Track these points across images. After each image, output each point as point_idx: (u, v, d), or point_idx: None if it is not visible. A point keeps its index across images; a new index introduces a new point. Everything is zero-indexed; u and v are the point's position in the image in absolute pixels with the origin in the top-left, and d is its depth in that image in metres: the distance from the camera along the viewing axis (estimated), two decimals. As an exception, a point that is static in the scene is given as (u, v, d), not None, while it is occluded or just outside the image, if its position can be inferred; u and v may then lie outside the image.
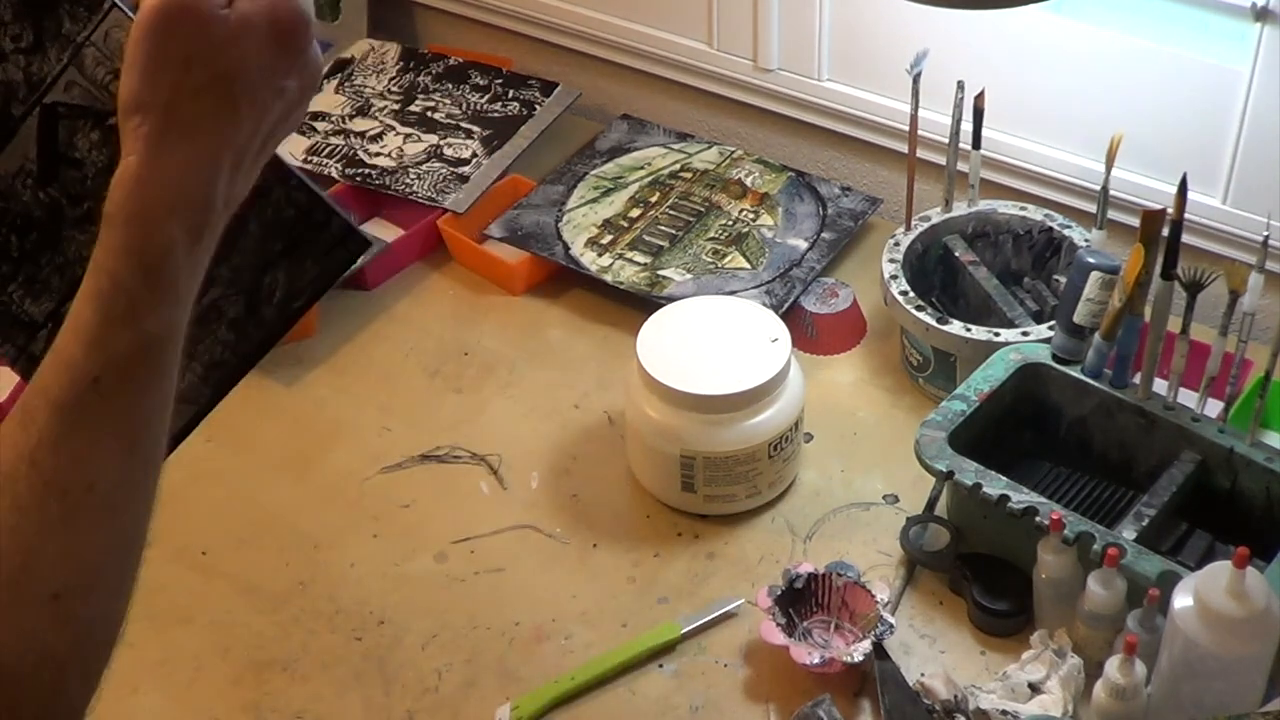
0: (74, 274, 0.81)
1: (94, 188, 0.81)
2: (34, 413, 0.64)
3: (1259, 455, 1.16)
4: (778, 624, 1.15)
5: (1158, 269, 1.16)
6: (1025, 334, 1.30)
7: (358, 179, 1.59)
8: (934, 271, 1.43)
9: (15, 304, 0.84)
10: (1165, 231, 1.14)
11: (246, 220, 0.81)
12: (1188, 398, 1.22)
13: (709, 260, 1.49)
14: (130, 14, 0.78)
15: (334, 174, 1.60)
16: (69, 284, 0.83)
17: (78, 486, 0.63)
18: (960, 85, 1.35)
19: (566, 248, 1.52)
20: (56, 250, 0.82)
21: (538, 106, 1.68)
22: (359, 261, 0.82)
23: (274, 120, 0.71)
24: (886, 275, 1.36)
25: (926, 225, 1.42)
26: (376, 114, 1.70)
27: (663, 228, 1.54)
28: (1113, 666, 1.03)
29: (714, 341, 1.27)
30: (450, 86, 1.73)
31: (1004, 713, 1.06)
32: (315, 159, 1.62)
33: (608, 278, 1.48)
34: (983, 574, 1.18)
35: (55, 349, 0.66)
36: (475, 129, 1.66)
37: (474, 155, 1.62)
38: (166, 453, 0.75)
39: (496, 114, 1.68)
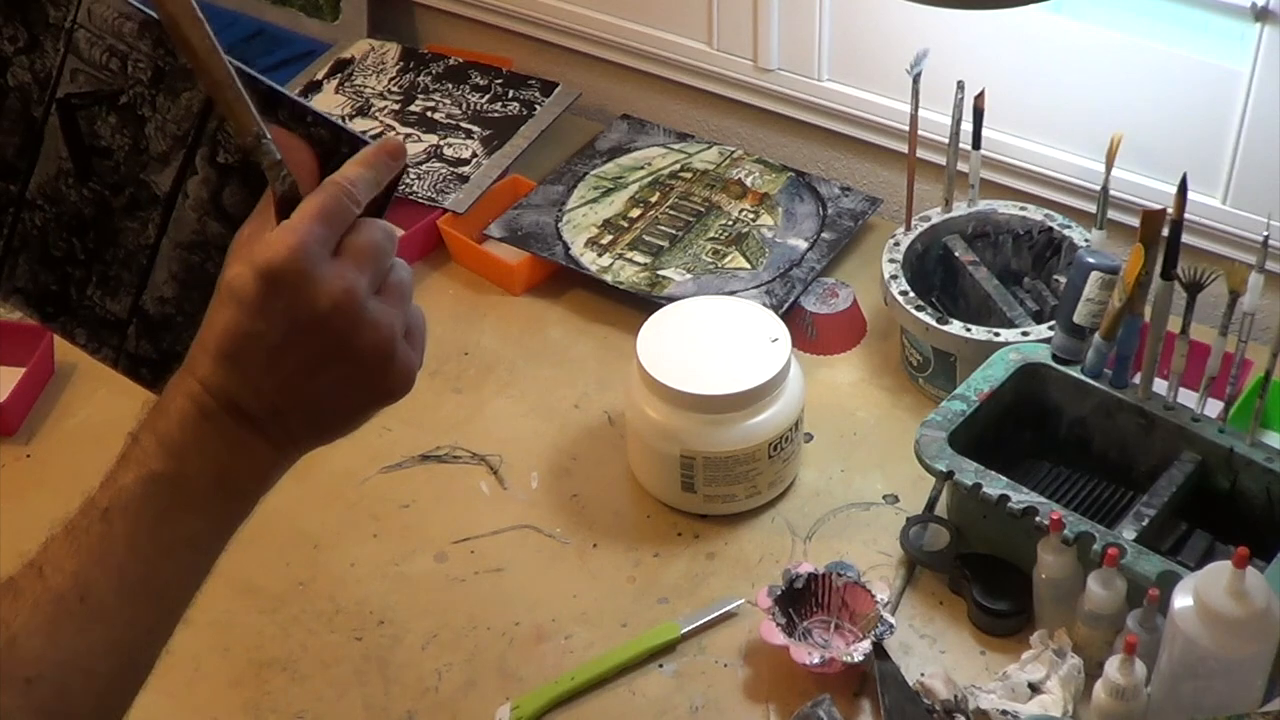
0: (139, 263, 0.83)
1: (128, 172, 0.81)
2: (56, 531, 0.71)
3: (1259, 455, 1.16)
4: (778, 624, 1.15)
5: (1158, 269, 1.16)
6: (1025, 334, 1.30)
7: (358, 179, 1.59)
8: (934, 271, 1.43)
9: (98, 305, 0.84)
10: (1165, 231, 1.14)
11: None
12: (1188, 398, 1.22)
13: (709, 260, 1.50)
14: None
15: (334, 174, 1.60)
16: (138, 274, 0.83)
17: (71, 595, 0.68)
18: (960, 85, 1.35)
19: (566, 248, 1.52)
20: (116, 244, 0.82)
21: (538, 106, 1.68)
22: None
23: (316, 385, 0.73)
24: (886, 275, 1.36)
25: (926, 225, 1.42)
26: (376, 114, 1.70)
27: (663, 228, 1.54)
28: (1113, 666, 1.03)
29: (714, 341, 1.27)
30: (450, 86, 1.73)
31: (1004, 713, 1.06)
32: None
33: (608, 278, 1.48)
34: (983, 574, 1.18)
35: None
36: (475, 129, 1.66)
37: (474, 155, 1.63)
38: None
39: (496, 114, 1.68)
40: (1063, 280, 1.32)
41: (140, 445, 0.71)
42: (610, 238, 1.53)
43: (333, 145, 0.80)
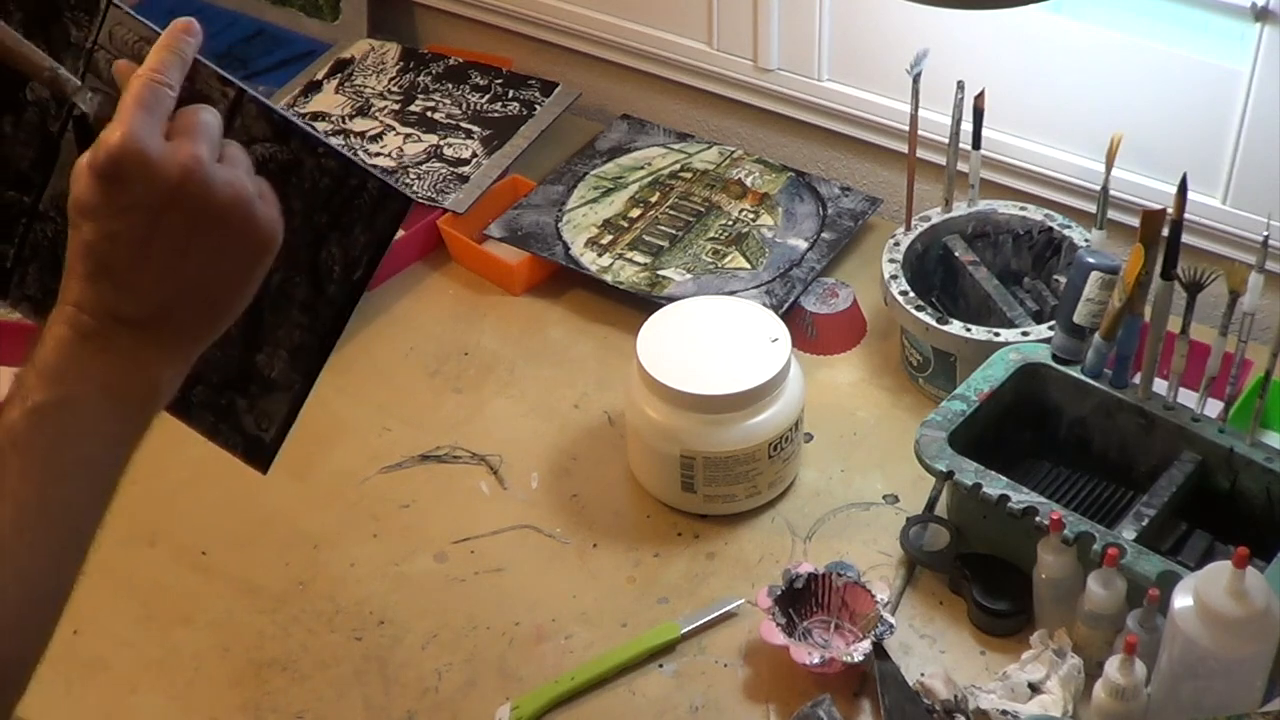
0: None
1: None
2: None
3: (1259, 455, 1.16)
4: (778, 624, 1.15)
5: (1158, 269, 1.16)
6: (1025, 334, 1.30)
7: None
8: (934, 271, 1.43)
9: None
10: (1165, 231, 1.14)
11: (289, 200, 0.82)
12: (1188, 398, 1.22)
13: (709, 260, 1.50)
14: (126, 9, 0.79)
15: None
16: None
17: None
18: (960, 85, 1.35)
19: (566, 248, 1.52)
20: None
21: (538, 106, 1.68)
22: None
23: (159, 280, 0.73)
24: (886, 275, 1.36)
25: (926, 225, 1.42)
26: (376, 114, 1.70)
27: (663, 228, 1.54)
28: (1113, 666, 1.03)
29: (714, 341, 1.27)
30: (450, 86, 1.73)
31: (1004, 713, 1.06)
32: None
33: (608, 278, 1.48)
34: (983, 574, 1.18)
35: None
36: (475, 129, 1.66)
37: (474, 155, 1.63)
38: (279, 437, 0.87)
39: (496, 114, 1.68)
40: (1063, 280, 1.32)
41: (23, 382, 0.71)
42: (610, 238, 1.53)
43: (341, 176, 0.81)
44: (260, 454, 0.90)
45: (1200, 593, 0.99)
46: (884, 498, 1.29)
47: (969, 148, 1.39)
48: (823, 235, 1.52)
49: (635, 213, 1.56)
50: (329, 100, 1.72)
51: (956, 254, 1.42)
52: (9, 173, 0.83)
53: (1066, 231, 1.40)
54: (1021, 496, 1.14)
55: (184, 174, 0.70)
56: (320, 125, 1.68)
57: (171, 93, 0.73)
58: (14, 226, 0.84)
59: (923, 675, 1.11)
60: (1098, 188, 1.30)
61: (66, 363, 0.71)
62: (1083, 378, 1.23)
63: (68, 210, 0.71)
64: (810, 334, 1.43)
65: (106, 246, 0.71)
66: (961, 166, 1.41)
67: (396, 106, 1.71)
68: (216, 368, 0.87)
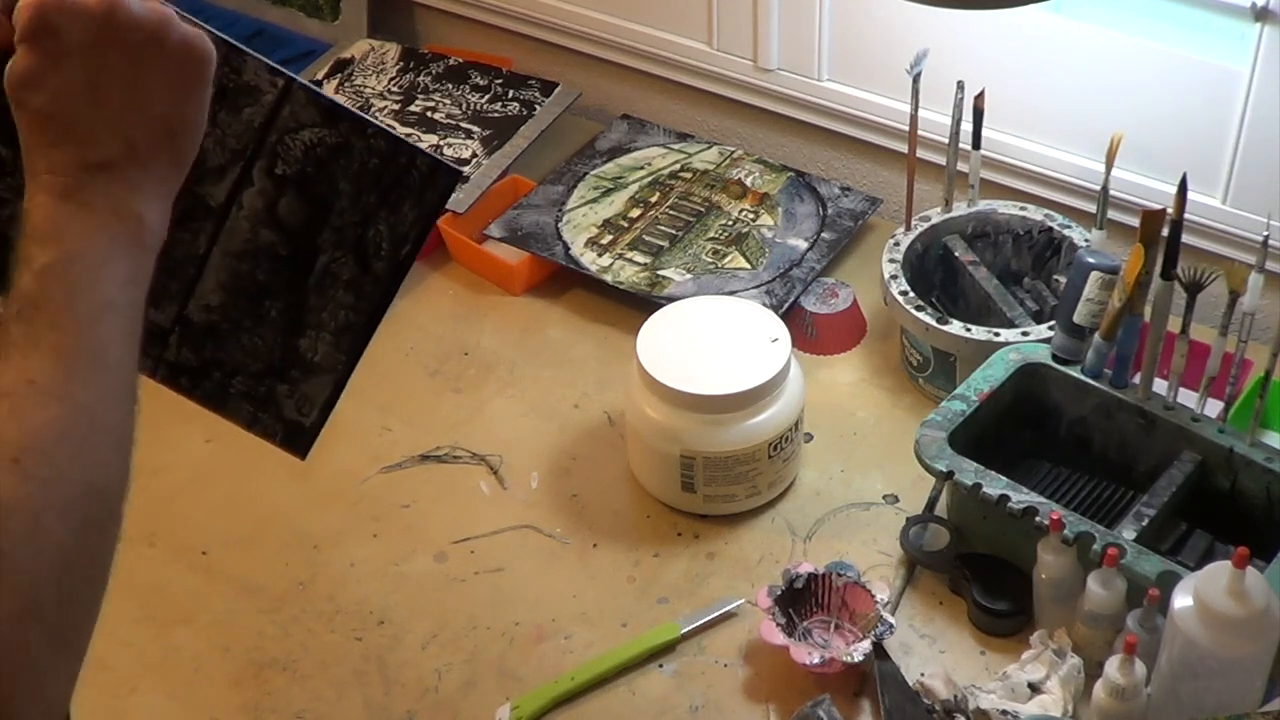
0: (186, 273, 0.86)
1: (183, 186, 0.82)
2: None
3: (1259, 455, 1.16)
4: (778, 624, 1.15)
5: (1158, 269, 1.16)
6: (1025, 334, 1.30)
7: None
8: (934, 271, 1.43)
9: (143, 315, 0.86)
10: (1165, 231, 1.14)
11: (335, 181, 0.82)
12: (1188, 398, 1.22)
13: (709, 260, 1.50)
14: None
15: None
16: (185, 284, 0.86)
17: (19, 385, 0.70)
18: (960, 85, 1.35)
19: (566, 248, 1.52)
20: (165, 254, 0.84)
21: (538, 106, 1.68)
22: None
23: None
24: (886, 275, 1.36)
25: (926, 225, 1.42)
26: (376, 114, 1.70)
27: (663, 228, 1.54)
28: (1113, 666, 1.03)
29: (714, 341, 1.27)
30: (450, 86, 1.73)
31: (1004, 713, 1.06)
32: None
33: (608, 278, 1.48)
34: (983, 574, 1.18)
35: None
36: (475, 129, 1.66)
37: (474, 155, 1.63)
38: (320, 421, 0.91)
39: (496, 114, 1.68)
40: (1063, 280, 1.32)
41: (24, 254, 0.73)
42: (610, 238, 1.53)
43: (390, 155, 0.83)
44: (300, 439, 0.91)
45: (1200, 593, 0.99)
46: (884, 498, 1.29)
47: (969, 148, 1.39)
48: (823, 235, 1.52)
49: (635, 213, 1.56)
50: (329, 100, 1.72)
51: (956, 254, 1.42)
52: None
53: (1066, 231, 1.40)
54: (1021, 496, 1.14)
55: (107, 5, 0.72)
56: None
57: None
58: None
59: (923, 675, 1.11)
60: (1098, 188, 1.30)
61: (58, 224, 0.73)
62: (1083, 378, 1.23)
63: (9, 95, 0.73)
64: (810, 334, 1.43)
65: (60, 103, 0.72)
66: (961, 166, 1.41)
67: (396, 106, 1.71)
68: (256, 356, 0.88)
